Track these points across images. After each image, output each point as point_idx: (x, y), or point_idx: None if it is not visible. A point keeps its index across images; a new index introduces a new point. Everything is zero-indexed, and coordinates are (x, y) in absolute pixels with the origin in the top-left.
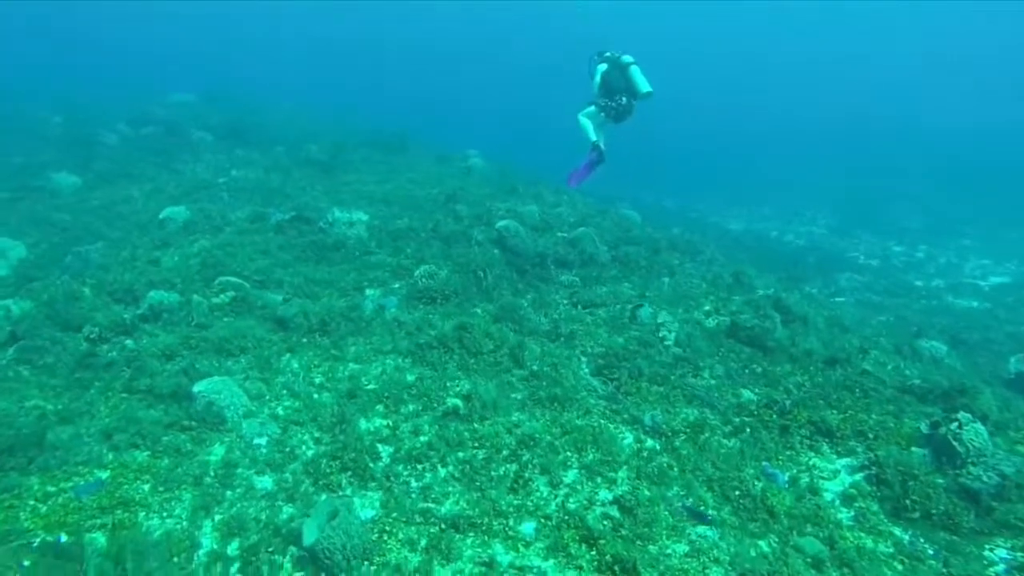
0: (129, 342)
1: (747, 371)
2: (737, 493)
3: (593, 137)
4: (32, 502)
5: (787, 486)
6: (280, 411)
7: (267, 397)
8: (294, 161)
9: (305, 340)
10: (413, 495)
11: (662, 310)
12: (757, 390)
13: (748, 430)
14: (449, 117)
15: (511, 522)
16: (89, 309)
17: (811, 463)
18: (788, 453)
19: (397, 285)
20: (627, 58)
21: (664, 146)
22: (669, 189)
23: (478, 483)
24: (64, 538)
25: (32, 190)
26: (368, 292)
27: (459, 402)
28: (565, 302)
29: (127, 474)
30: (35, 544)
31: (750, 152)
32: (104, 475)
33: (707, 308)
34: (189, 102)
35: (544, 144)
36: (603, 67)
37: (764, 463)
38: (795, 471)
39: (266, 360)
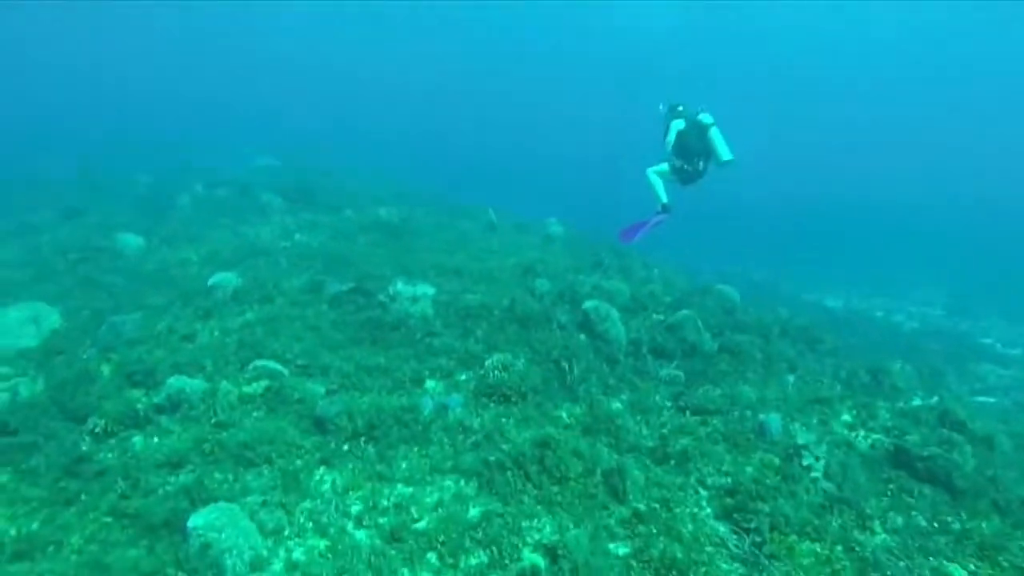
0: (137, 439)
1: (937, 524)
2: None
3: (664, 197)
4: None
5: None
6: (299, 556)
7: (286, 532)
8: (361, 226)
9: (346, 448)
10: None
11: (794, 420)
12: (973, 566)
13: None
14: (528, 183)
15: None
16: (100, 395)
17: None
18: None
19: (464, 377)
20: (706, 118)
21: (742, 208)
22: (751, 258)
23: None
24: None
25: (96, 251)
26: (428, 385)
27: (539, 560)
28: (669, 405)
29: None
30: None
31: (843, 220)
32: None
33: (847, 418)
34: (273, 166)
35: (623, 212)
36: (679, 125)
37: None
38: None
39: (293, 476)
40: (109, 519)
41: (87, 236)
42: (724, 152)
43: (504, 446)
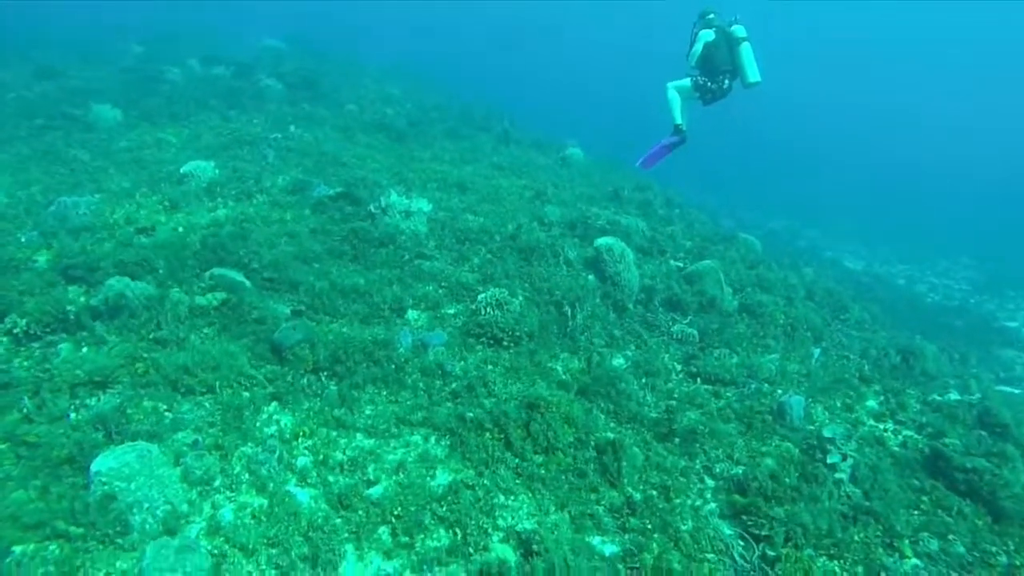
0: (65, 347)
1: (978, 554)
2: None
3: (679, 118)
4: None
5: None
6: (227, 516)
7: (216, 483)
8: (364, 125)
9: (304, 383)
10: None
11: (816, 402)
12: None
13: None
14: (553, 105)
15: None
16: (24, 290)
17: None
18: None
19: (452, 311)
20: (740, 31)
21: (762, 149)
22: (769, 204)
23: None
24: None
25: (66, 120)
26: (410, 316)
27: (510, 554)
28: (679, 368)
29: None
30: None
31: (871, 175)
32: None
33: (873, 405)
34: (279, 49)
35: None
36: (708, 35)
37: None
38: None
39: (237, 412)
40: (3, 446)
41: (59, 101)
42: (753, 72)
43: (486, 401)
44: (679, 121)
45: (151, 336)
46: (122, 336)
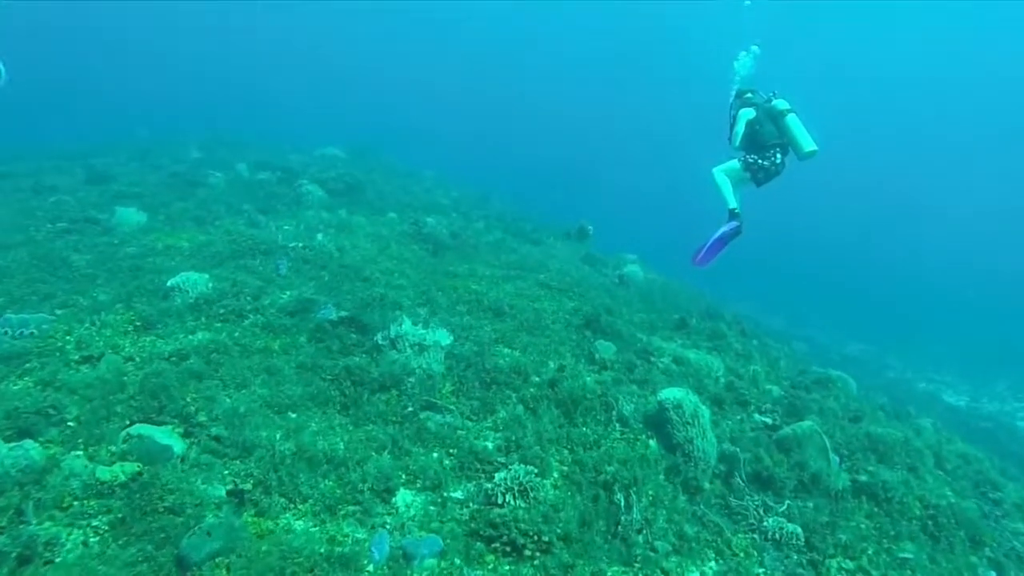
0: None
1: None
2: None
3: (732, 202)
4: None
5: None
6: None
7: None
8: (401, 234)
9: None
10: None
11: None
12: None
13: None
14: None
15: None
16: None
17: None
18: None
19: (459, 494)
20: (782, 103)
21: (810, 245)
22: (834, 316)
23: None
24: None
25: (88, 223)
26: (400, 498)
27: None
28: None
29: None
30: None
31: (943, 275)
32: None
33: None
34: (336, 157)
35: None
36: (748, 113)
37: None
38: None
39: None
40: None
41: (93, 206)
42: (806, 142)
43: None
44: (733, 205)
45: (5, 536)
46: None
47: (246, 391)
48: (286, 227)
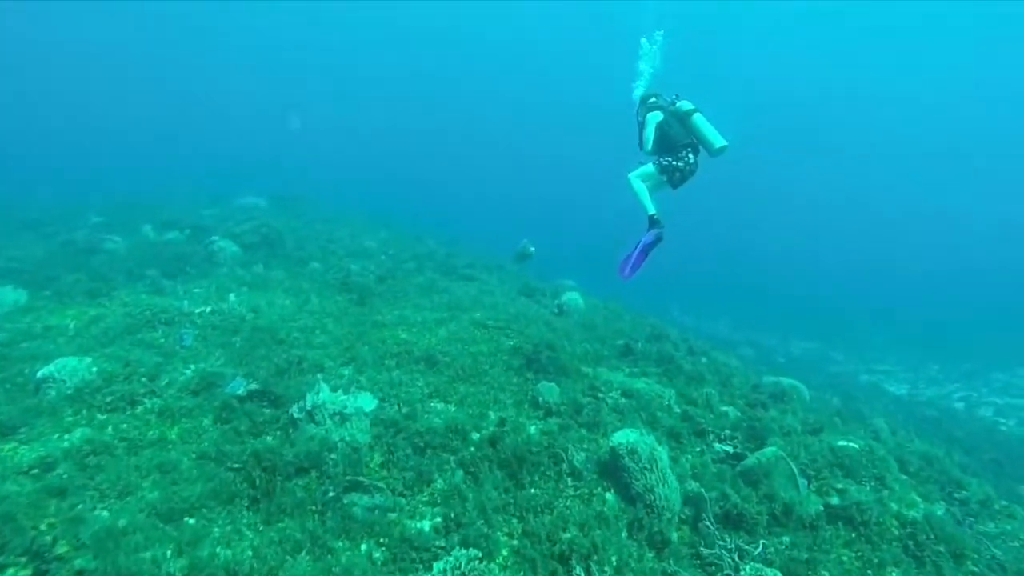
0: None
1: None
2: None
3: (651, 208)
4: None
5: None
6: None
7: None
8: (324, 284)
9: None
10: None
11: None
12: None
13: None
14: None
15: None
16: None
17: None
18: None
19: None
20: (686, 104)
21: (741, 246)
22: (771, 317)
23: None
24: None
25: None
26: None
27: None
28: None
29: None
30: None
31: (874, 270)
32: None
33: None
34: (257, 206)
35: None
36: (656, 116)
37: None
38: None
39: None
40: None
41: None
42: (716, 138)
43: None
44: (652, 211)
45: None
46: None
47: (131, 498)
48: (196, 290)
